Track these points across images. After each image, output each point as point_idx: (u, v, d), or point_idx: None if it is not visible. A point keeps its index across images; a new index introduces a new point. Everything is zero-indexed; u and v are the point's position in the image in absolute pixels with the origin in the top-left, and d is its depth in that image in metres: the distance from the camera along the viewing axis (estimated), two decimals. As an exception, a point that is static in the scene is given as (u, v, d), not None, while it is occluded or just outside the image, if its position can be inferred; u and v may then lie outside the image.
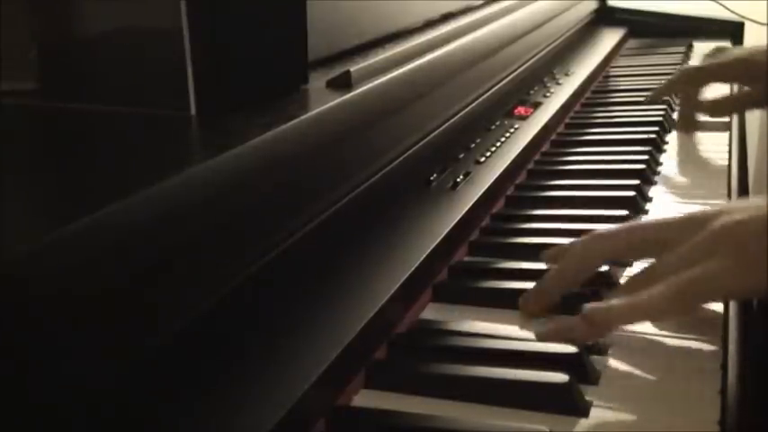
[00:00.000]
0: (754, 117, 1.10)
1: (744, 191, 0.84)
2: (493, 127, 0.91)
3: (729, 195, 0.80)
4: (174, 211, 0.43)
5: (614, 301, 0.53)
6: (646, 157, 0.87)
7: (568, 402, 0.47)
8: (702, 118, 1.02)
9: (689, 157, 0.94)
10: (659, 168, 0.88)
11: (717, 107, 1.01)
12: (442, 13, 1.01)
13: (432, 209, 0.68)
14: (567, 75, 1.19)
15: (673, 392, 0.49)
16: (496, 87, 0.99)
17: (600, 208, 0.74)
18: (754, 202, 0.53)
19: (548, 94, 1.06)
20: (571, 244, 0.59)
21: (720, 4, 1.59)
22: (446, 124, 0.83)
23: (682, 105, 1.04)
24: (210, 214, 0.46)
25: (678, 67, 1.31)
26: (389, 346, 0.53)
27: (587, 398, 0.48)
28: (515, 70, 1.08)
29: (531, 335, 0.54)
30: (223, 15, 0.56)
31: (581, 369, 0.50)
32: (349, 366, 0.49)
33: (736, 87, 1.10)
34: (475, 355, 0.52)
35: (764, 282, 0.49)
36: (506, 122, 0.93)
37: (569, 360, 0.50)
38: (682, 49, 1.45)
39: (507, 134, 0.88)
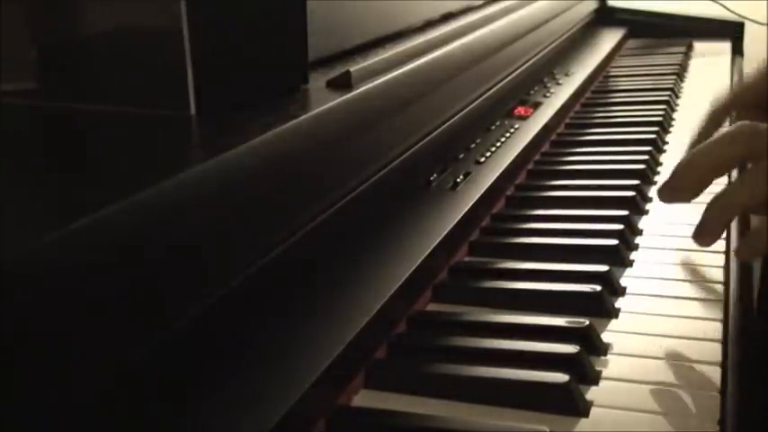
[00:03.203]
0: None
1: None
2: (493, 127, 0.91)
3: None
4: (174, 211, 0.43)
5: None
6: (646, 157, 0.87)
7: (568, 402, 0.47)
8: None
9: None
10: (659, 168, 0.88)
11: None
12: (442, 13, 1.01)
13: (432, 209, 0.68)
14: (567, 75, 1.19)
15: (672, 392, 0.49)
16: (496, 87, 0.99)
17: (600, 208, 0.74)
18: None
19: (548, 94, 1.06)
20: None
21: (720, 4, 1.59)
22: (446, 124, 0.83)
23: None
24: (210, 214, 0.46)
25: (678, 67, 1.31)
26: (389, 346, 0.54)
27: (587, 398, 0.48)
28: (515, 70, 1.08)
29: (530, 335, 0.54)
30: (223, 15, 0.56)
31: (581, 369, 0.50)
32: (349, 366, 0.49)
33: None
34: (475, 355, 0.52)
35: None
36: (506, 122, 0.93)
37: (569, 360, 0.50)
38: (682, 49, 1.45)
39: (507, 134, 0.88)
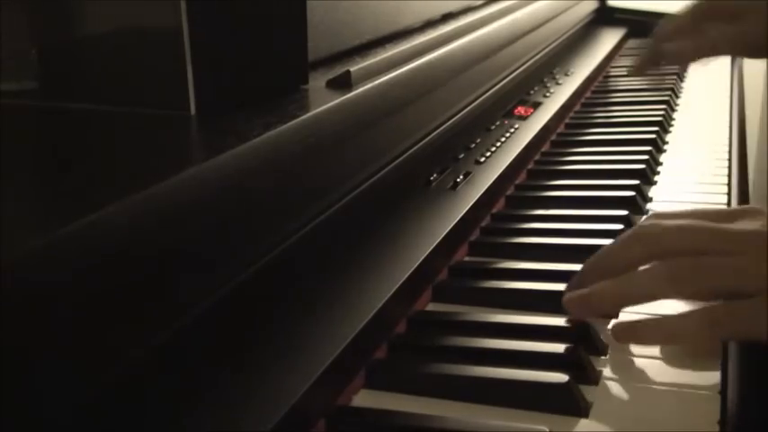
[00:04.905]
0: (754, 117, 1.10)
1: (744, 190, 0.84)
2: (493, 127, 0.91)
3: (729, 195, 0.80)
4: (174, 211, 0.43)
5: (641, 322, 0.53)
6: (646, 157, 0.87)
7: (568, 402, 0.47)
8: None
9: (689, 156, 0.94)
10: (659, 168, 0.88)
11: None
12: (442, 13, 1.01)
13: (432, 209, 0.68)
14: (567, 75, 1.19)
15: (672, 392, 0.49)
16: (496, 87, 0.99)
17: (600, 208, 0.74)
18: None
19: (548, 94, 1.06)
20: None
21: (720, 4, 1.59)
22: (446, 124, 0.83)
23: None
24: (210, 214, 0.46)
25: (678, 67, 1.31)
26: (389, 346, 0.54)
27: (587, 398, 0.48)
28: (515, 70, 1.08)
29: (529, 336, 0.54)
30: (223, 15, 0.56)
31: (581, 369, 0.50)
32: (349, 366, 0.49)
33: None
34: (475, 355, 0.52)
35: None
36: (506, 122, 0.93)
37: (569, 360, 0.50)
38: (682, 49, 1.45)
39: (507, 134, 0.88)
